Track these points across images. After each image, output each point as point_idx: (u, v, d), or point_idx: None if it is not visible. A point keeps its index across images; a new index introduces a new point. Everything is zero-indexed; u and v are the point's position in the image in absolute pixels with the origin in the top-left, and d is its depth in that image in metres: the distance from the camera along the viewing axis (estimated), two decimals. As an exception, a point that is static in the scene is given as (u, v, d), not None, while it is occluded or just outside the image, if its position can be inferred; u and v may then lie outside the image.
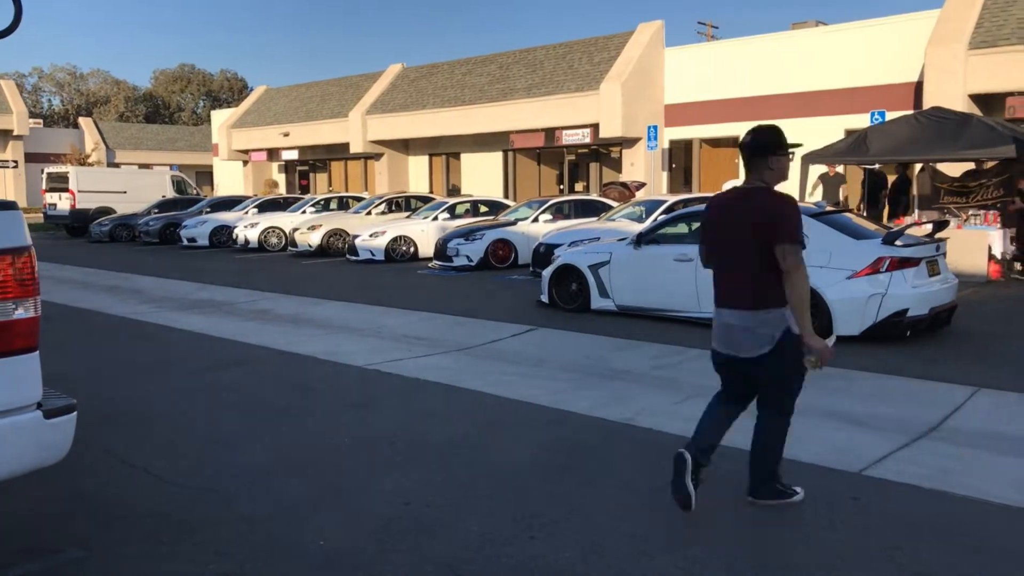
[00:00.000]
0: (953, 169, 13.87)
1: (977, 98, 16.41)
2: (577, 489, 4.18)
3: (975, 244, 11.86)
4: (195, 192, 30.23)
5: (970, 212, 13.13)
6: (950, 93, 16.04)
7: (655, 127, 21.03)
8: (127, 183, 28.04)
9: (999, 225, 12.44)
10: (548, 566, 3.34)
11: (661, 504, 3.96)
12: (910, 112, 13.99)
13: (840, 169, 15.77)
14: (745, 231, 3.71)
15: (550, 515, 3.85)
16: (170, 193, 28.29)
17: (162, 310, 10.57)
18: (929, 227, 8.66)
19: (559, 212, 15.86)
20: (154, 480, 4.41)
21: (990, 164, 12.87)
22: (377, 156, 29.76)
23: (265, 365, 7.25)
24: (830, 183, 16.15)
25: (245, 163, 35.99)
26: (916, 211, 14.23)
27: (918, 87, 17.47)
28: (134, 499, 4.14)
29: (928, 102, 15.76)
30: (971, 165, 13.18)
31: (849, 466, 4.43)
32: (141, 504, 4.07)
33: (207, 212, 22.92)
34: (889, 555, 3.40)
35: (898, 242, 7.65)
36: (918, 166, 14.40)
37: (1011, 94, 15.38)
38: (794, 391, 3.88)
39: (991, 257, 11.95)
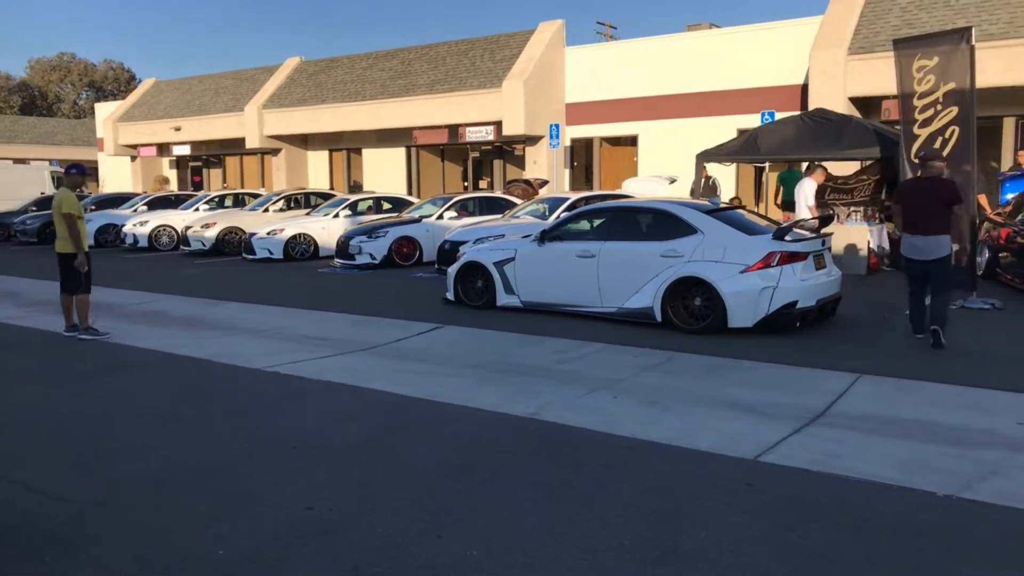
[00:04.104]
0: (838, 168, 14.64)
1: (856, 101, 17.39)
2: (483, 486, 4.18)
3: (856, 239, 12.57)
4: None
5: (851, 208, 13.91)
6: (832, 95, 16.93)
7: (557, 125, 21.31)
8: (0, 179, 26.25)
9: (878, 221, 13.21)
10: (455, 564, 3.33)
11: (567, 498, 4.01)
12: (797, 113, 14.68)
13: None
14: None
15: (457, 513, 3.83)
16: (49, 189, 26.66)
17: (42, 314, 9.94)
18: (815, 223, 9.10)
19: (464, 209, 15.83)
20: (35, 495, 4.13)
21: (868, 163, 13.66)
22: (274, 151, 28.94)
23: (158, 369, 6.93)
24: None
25: (133, 159, 34.32)
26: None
27: (804, 89, 18.37)
28: (12, 516, 3.87)
29: (813, 103, 16.59)
30: (855, 164, 13.95)
31: (744, 453, 4.61)
32: (21, 521, 3.81)
33: (92, 210, 21.70)
34: (782, 536, 3.55)
35: (787, 237, 8.01)
36: (804, 164, 15.13)
37: (886, 97, 16.35)
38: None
39: (870, 251, 12.69)
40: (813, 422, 5.19)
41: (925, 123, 9.58)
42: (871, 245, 12.71)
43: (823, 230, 8.68)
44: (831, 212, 12.80)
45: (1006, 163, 16.87)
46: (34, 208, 23.05)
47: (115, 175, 35.96)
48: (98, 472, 4.46)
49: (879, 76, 16.38)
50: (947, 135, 9.34)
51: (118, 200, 22.52)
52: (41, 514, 3.90)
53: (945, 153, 9.38)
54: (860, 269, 12.41)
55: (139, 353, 7.60)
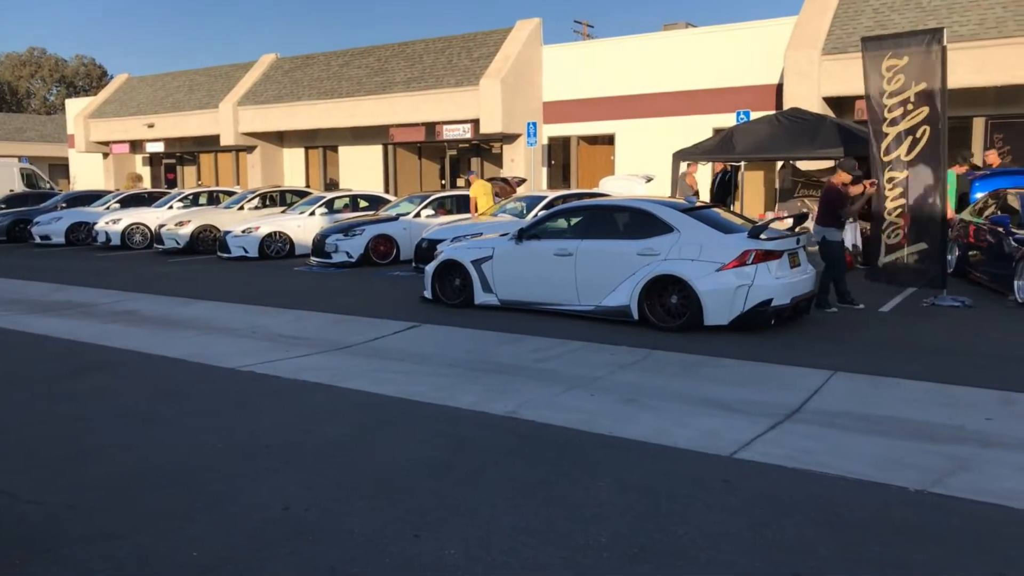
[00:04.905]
0: (810, 164, 14.81)
1: (830, 100, 17.57)
2: (461, 485, 4.17)
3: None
4: (48, 186, 28.17)
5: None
6: (806, 95, 17.10)
7: (534, 124, 21.32)
8: (-31, 176, 25.77)
9: (851, 219, 13.36)
10: (432, 564, 3.32)
11: (545, 496, 4.01)
12: (772, 112, 14.80)
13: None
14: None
15: (434, 513, 3.82)
16: (19, 187, 26.24)
17: (11, 313, 9.77)
18: (790, 221, 9.19)
19: (441, 207, 15.78)
20: (3, 498, 4.06)
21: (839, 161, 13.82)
22: (249, 149, 28.67)
23: (130, 369, 6.84)
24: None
25: (105, 156, 33.82)
26: (777, 205, 15.10)
27: (779, 89, 18.52)
28: (-20, 520, 3.80)
29: (788, 103, 16.74)
30: (829, 162, 14.11)
31: (720, 450, 4.64)
32: (-12, 525, 3.74)
33: (63, 207, 21.36)
34: (758, 532, 3.58)
35: (762, 236, 8.08)
36: (779, 163, 15.30)
37: (859, 97, 16.51)
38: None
39: (844, 249, 12.82)
40: (788, 419, 5.23)
41: (893, 122, 9.68)
42: (845, 243, 12.85)
43: (797, 228, 8.76)
44: (805, 211, 12.93)
45: (977, 162, 17.15)
46: (3, 206, 22.64)
47: (87, 172, 35.44)
48: (70, 473, 4.39)
49: (852, 76, 16.53)
50: (918, 135, 9.46)
51: (90, 198, 22.18)
52: (11, 516, 3.83)
53: (916, 153, 9.51)
54: (834, 267, 12.53)
55: (112, 353, 7.50)
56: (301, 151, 28.97)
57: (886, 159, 9.87)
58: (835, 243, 9.41)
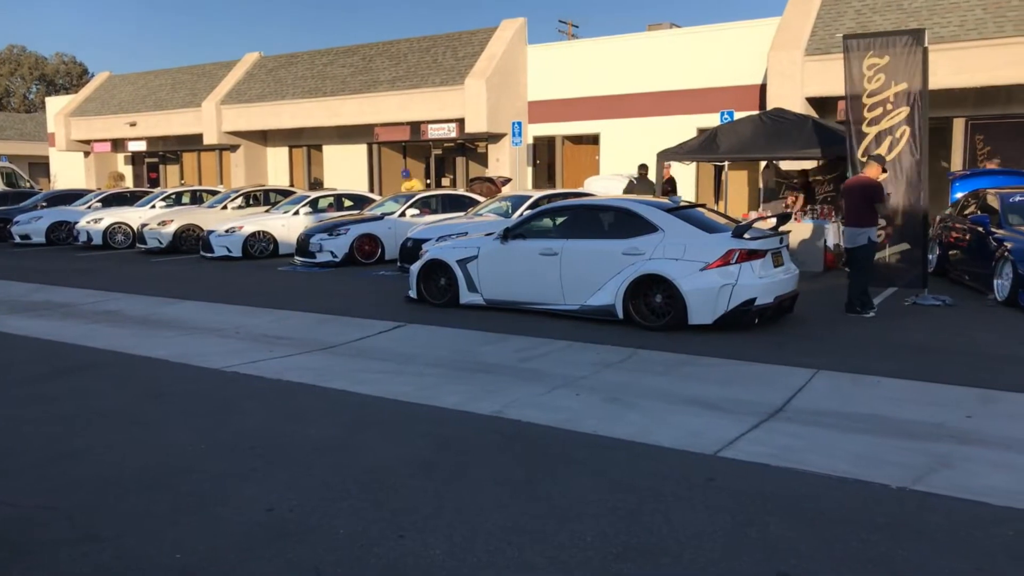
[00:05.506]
0: (794, 165, 14.91)
1: (813, 100, 17.69)
2: (447, 485, 4.17)
3: (813, 236, 12.80)
4: (29, 185, 27.87)
5: (808, 206, 14.17)
6: (789, 95, 17.21)
7: (519, 123, 21.32)
8: (-53, 174, 25.48)
9: (833, 219, 13.47)
10: (417, 563, 3.32)
11: (530, 495, 4.02)
12: (755, 112, 14.88)
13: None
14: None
15: (420, 512, 3.82)
16: (-1, 185, 25.93)
17: (-9, 314, 9.67)
18: (774, 220, 9.25)
19: (426, 207, 15.75)
20: (-17, 500, 4.02)
21: (821, 162, 13.92)
22: (233, 148, 28.50)
23: (112, 370, 6.78)
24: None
25: (87, 154, 33.51)
26: (760, 205, 15.19)
27: (762, 89, 18.63)
28: (-41, 523, 3.76)
29: (771, 103, 16.83)
30: (812, 163, 14.21)
31: (705, 449, 4.67)
32: (-32, 528, 3.70)
33: (43, 206, 21.14)
34: (741, 530, 3.60)
35: (746, 235, 8.12)
36: (763, 163, 15.37)
37: (842, 98, 16.62)
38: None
39: (826, 248, 12.93)
40: (772, 417, 5.27)
41: (873, 122, 9.76)
42: (827, 243, 12.95)
43: (781, 228, 8.82)
44: (788, 211, 13.01)
45: (956, 163, 17.33)
46: (-18, 205, 22.39)
47: (67, 171, 35.08)
48: (52, 475, 4.35)
49: (835, 77, 16.64)
50: (897, 135, 9.55)
51: (71, 197, 21.96)
52: (-10, 520, 3.79)
53: (896, 153, 9.59)
54: (817, 266, 12.64)
55: (94, 354, 7.43)
56: (285, 150, 28.83)
57: (865, 160, 9.95)
58: (875, 244, 9.15)
